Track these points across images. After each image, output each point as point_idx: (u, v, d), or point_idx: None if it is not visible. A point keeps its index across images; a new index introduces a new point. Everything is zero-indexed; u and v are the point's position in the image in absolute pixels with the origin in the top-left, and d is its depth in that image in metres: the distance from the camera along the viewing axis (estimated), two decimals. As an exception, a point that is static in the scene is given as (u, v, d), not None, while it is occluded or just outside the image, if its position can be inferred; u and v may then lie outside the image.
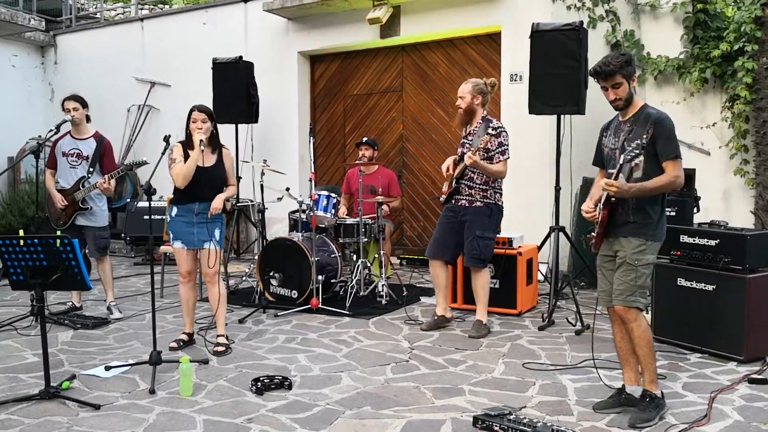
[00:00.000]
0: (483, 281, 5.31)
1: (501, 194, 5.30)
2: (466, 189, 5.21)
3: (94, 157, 5.79)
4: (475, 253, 5.19)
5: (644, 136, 3.44)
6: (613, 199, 3.52)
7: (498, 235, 5.90)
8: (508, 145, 5.18)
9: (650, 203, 3.53)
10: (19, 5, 10.92)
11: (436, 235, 5.42)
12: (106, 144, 5.90)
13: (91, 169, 5.77)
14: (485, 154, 5.11)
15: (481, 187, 5.19)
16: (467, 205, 5.22)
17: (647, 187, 3.44)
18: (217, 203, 4.77)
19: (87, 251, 5.82)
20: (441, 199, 5.42)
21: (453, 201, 5.29)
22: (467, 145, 5.23)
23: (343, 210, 7.00)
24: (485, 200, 5.19)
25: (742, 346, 4.35)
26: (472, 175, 5.18)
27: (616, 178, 3.38)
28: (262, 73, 8.87)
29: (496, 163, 5.12)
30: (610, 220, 3.58)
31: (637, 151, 3.35)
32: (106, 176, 5.63)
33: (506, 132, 5.21)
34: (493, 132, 5.05)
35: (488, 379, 4.20)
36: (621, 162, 3.39)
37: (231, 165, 4.95)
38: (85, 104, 5.86)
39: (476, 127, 5.23)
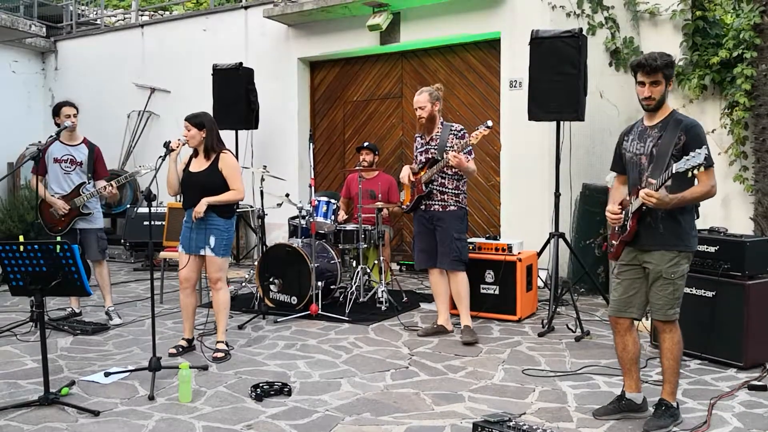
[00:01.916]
0: (464, 283, 5.32)
1: (466, 198, 5.39)
2: (438, 194, 5.24)
3: (89, 164, 5.87)
4: (455, 255, 5.21)
5: (677, 144, 3.35)
6: (644, 207, 3.41)
7: (496, 241, 5.93)
8: (471, 145, 5.24)
9: (681, 213, 3.42)
10: (20, 11, 10.96)
11: (420, 245, 5.42)
12: (97, 150, 6.01)
13: (90, 175, 5.85)
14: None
15: (453, 192, 5.24)
16: (440, 209, 5.24)
17: (686, 197, 3.32)
18: (199, 207, 4.73)
19: (87, 255, 5.86)
20: (404, 207, 5.49)
21: (424, 207, 5.31)
22: (431, 151, 5.27)
23: (342, 215, 7.01)
24: (458, 204, 5.25)
25: (742, 353, 4.35)
26: (443, 180, 5.22)
27: (657, 189, 3.25)
28: (262, 79, 8.89)
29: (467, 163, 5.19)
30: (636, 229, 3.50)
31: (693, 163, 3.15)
32: (113, 182, 5.74)
33: (467, 132, 5.27)
34: (457, 135, 5.18)
35: (488, 386, 4.19)
36: (667, 175, 3.25)
37: (232, 169, 4.87)
38: (78, 110, 5.96)
39: (437, 132, 5.29)
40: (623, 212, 3.55)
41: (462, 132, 5.24)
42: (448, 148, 5.10)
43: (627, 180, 3.67)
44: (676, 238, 3.42)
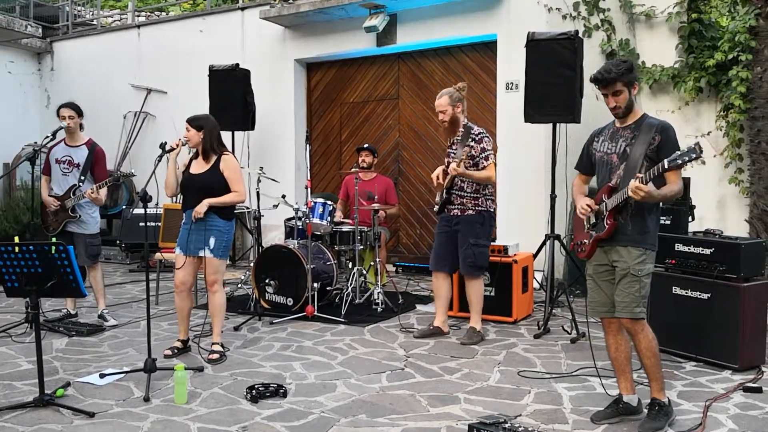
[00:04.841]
0: (477, 289, 5.32)
1: (492, 201, 5.31)
2: (458, 198, 5.23)
3: (85, 165, 5.77)
4: (470, 261, 5.20)
5: (651, 144, 3.41)
6: (625, 203, 3.45)
7: (492, 243, 5.92)
8: (491, 150, 5.19)
9: (649, 212, 3.50)
10: (16, 12, 10.94)
11: (435, 246, 5.44)
12: (98, 151, 5.86)
13: (83, 177, 5.74)
14: (470, 162, 5.13)
15: (472, 195, 5.20)
16: (459, 214, 5.23)
17: (666, 194, 3.37)
18: (199, 208, 4.73)
19: (78, 258, 5.82)
20: (435, 209, 5.45)
21: (446, 211, 5.31)
22: (452, 155, 5.24)
23: (339, 215, 6.99)
24: (477, 208, 5.21)
25: (737, 355, 4.36)
26: (462, 184, 5.20)
27: (645, 183, 3.26)
28: (259, 80, 8.88)
29: (482, 169, 5.14)
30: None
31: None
32: (94, 186, 5.62)
33: (488, 137, 5.22)
34: (476, 138, 5.08)
35: (483, 387, 4.20)
36: (657, 170, 3.27)
37: (233, 171, 4.87)
38: (80, 112, 5.85)
39: (458, 136, 5.25)
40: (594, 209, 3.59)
41: (480, 136, 5.15)
42: (462, 157, 5.02)
43: (596, 179, 3.71)
44: (642, 236, 3.49)
